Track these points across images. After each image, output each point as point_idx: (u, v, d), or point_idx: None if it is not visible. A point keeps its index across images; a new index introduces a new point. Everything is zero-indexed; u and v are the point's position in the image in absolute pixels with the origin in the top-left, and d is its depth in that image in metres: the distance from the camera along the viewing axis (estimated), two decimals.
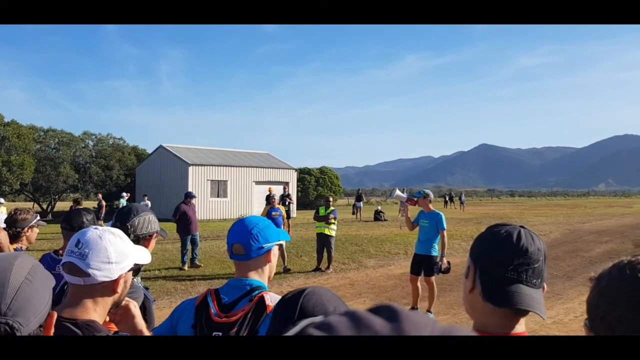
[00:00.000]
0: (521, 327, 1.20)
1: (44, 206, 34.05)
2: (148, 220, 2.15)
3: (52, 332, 1.05)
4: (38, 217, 3.55)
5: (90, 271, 1.42)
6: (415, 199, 7.42)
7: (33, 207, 16.90)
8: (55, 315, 1.07)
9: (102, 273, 1.44)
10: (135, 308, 1.59)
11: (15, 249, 3.23)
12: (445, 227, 7.20)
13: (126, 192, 22.10)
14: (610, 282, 0.97)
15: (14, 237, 3.31)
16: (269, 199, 11.77)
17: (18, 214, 3.39)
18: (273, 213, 10.88)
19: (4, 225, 3.32)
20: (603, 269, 1.01)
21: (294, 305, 1.20)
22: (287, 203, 17.27)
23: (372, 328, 0.40)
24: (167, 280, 9.81)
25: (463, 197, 46.33)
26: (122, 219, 2.10)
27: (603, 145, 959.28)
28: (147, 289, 2.13)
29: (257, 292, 1.65)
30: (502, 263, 1.18)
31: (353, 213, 28.37)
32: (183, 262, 11.22)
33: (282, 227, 10.88)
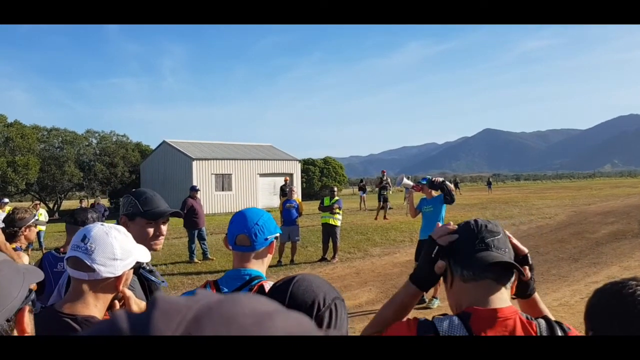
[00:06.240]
0: (506, 301, 1.27)
1: (50, 205, 34.25)
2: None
3: (24, 326, 1.05)
4: (36, 217, 3.60)
5: (95, 266, 1.43)
6: (421, 185, 7.46)
7: (38, 206, 16.96)
8: (27, 309, 1.05)
9: (106, 269, 1.45)
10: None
11: (14, 249, 3.27)
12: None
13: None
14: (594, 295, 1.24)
15: (12, 236, 3.35)
16: (284, 189, 11.69)
17: (16, 213, 3.44)
18: (288, 205, 10.89)
19: (2, 225, 3.37)
20: None
21: (284, 292, 1.22)
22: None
23: (117, 327, 0.39)
24: (173, 275, 9.88)
25: (490, 181, 47.61)
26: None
27: (608, 125, 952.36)
28: (151, 272, 2.08)
29: (256, 281, 1.66)
30: (469, 239, 1.30)
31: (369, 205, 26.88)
32: (191, 257, 11.28)
33: (297, 219, 10.93)
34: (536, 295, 1.41)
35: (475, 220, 1.35)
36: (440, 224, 1.40)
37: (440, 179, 7.17)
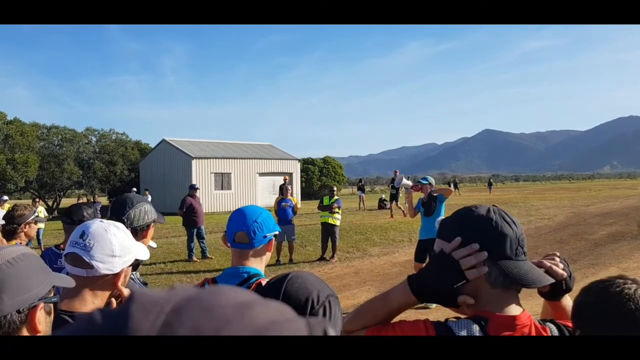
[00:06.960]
0: (520, 306, 1.19)
1: (50, 203, 34.22)
2: (144, 211, 2.14)
3: (36, 323, 1.05)
4: (36, 214, 3.59)
5: (93, 263, 1.42)
6: (420, 185, 7.47)
7: (37, 204, 16.94)
8: (41, 306, 1.06)
9: (105, 266, 1.44)
10: None
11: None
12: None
13: (137, 189, 21.81)
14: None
15: (12, 233, 3.35)
16: (282, 188, 11.71)
17: (16, 210, 3.43)
18: (283, 204, 10.88)
19: (2, 222, 3.36)
20: None
21: (278, 290, 1.21)
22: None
23: (93, 324, 0.38)
24: (172, 274, 9.89)
25: (491, 182, 48.24)
26: (117, 212, 2.07)
27: (608, 127, 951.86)
28: (145, 284, 2.09)
29: (254, 279, 1.64)
30: (509, 239, 1.15)
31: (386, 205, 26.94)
32: (190, 255, 11.28)
33: (292, 219, 10.93)
34: (564, 298, 1.28)
35: (511, 216, 1.19)
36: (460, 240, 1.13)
37: (429, 192, 7.29)
